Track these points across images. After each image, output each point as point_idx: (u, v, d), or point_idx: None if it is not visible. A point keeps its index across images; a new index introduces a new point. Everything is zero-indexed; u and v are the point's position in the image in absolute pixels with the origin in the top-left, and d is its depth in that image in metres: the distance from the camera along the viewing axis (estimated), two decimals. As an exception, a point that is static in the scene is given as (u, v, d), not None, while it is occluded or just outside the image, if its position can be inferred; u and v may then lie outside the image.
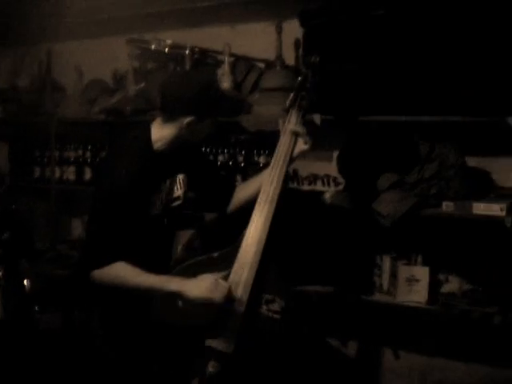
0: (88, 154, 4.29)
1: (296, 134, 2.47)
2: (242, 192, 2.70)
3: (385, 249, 3.30)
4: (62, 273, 4.02)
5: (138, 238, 2.38)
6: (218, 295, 2.17)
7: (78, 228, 4.65)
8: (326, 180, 3.57)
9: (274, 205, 2.36)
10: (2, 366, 3.22)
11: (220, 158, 3.72)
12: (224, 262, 2.33)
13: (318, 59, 2.48)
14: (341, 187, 3.41)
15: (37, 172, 4.57)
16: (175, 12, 3.74)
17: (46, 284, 3.83)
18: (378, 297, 3.25)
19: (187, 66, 3.70)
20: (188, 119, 2.33)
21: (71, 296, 3.47)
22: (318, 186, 3.60)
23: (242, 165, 3.67)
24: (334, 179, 3.53)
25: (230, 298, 2.21)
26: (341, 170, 3.38)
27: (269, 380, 2.31)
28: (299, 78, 2.51)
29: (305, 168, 3.64)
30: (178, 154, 2.49)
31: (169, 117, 2.38)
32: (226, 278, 2.27)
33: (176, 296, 2.22)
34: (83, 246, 2.69)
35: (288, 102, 2.51)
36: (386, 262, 3.26)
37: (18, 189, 4.67)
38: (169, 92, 2.40)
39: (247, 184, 2.75)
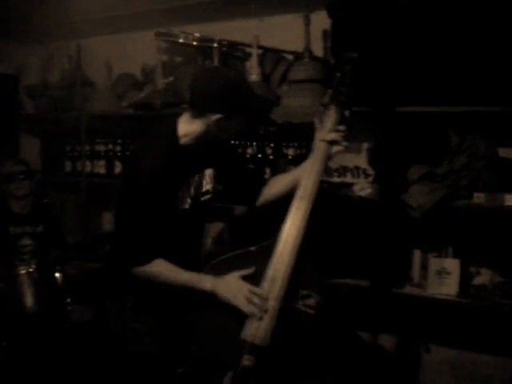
0: (118, 147, 4.33)
1: (333, 142, 2.43)
2: (273, 187, 2.67)
3: (415, 241, 3.27)
4: (92, 265, 4.08)
5: (169, 233, 2.40)
6: (241, 300, 2.21)
7: (108, 221, 4.69)
8: (355, 172, 3.55)
9: (311, 201, 2.34)
10: (35, 358, 3.27)
11: (249, 150, 3.71)
12: (261, 257, 2.32)
13: (356, 55, 2.46)
14: (370, 179, 3.39)
15: (68, 166, 4.63)
16: (203, 5, 3.74)
17: (77, 276, 3.89)
18: (408, 289, 3.22)
19: (215, 59, 3.71)
20: (216, 117, 2.31)
21: (103, 288, 3.50)
22: (348, 178, 3.58)
23: (271, 157, 3.65)
24: (364, 171, 3.50)
25: (253, 302, 2.22)
26: (371, 162, 3.36)
27: (303, 374, 2.32)
28: (338, 74, 2.48)
29: (334, 160, 3.62)
30: (207, 148, 2.48)
31: (197, 112, 2.37)
32: (255, 273, 2.29)
33: (210, 294, 2.26)
34: (115, 241, 2.72)
35: (327, 98, 2.49)
36: (417, 255, 3.23)
37: (50, 183, 4.76)
38: (199, 88, 2.38)
39: (279, 179, 2.72)
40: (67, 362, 3.34)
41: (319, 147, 2.41)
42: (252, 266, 2.31)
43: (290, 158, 3.58)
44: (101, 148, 4.41)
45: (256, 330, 2.23)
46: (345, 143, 2.42)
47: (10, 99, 4.65)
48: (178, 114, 2.47)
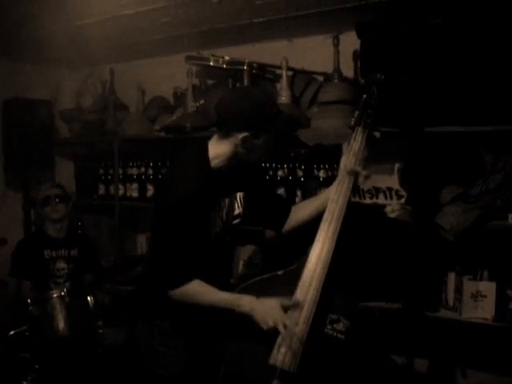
0: (150, 170, 4.34)
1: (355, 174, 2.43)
2: (300, 213, 2.67)
3: (450, 264, 3.21)
4: (125, 288, 4.09)
5: (202, 255, 2.40)
6: (279, 323, 2.18)
7: (141, 244, 4.72)
8: (388, 193, 3.50)
9: (339, 224, 2.34)
10: (67, 382, 3.28)
11: (279, 172, 3.69)
12: (289, 281, 2.32)
13: (383, 76, 2.44)
14: (403, 200, 3.34)
15: (101, 189, 4.68)
16: (233, 28, 3.76)
17: (110, 300, 3.90)
18: (443, 313, 3.16)
19: (245, 82, 3.72)
20: (242, 135, 2.32)
21: (135, 311, 3.51)
22: (380, 200, 3.53)
23: (302, 179, 3.63)
24: (397, 192, 3.45)
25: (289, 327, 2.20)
26: (403, 183, 3.31)
27: None
28: (364, 96, 2.47)
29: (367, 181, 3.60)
30: (237, 171, 2.49)
31: (224, 133, 2.38)
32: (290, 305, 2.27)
33: (246, 315, 2.25)
34: (150, 264, 2.73)
35: (353, 120, 2.47)
36: (451, 278, 3.17)
37: (84, 206, 4.81)
38: (224, 108, 2.40)
39: (305, 204, 2.72)
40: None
41: (344, 176, 2.41)
42: (280, 290, 2.30)
43: (320, 179, 3.55)
44: (133, 171, 4.44)
45: (284, 356, 2.21)
46: (365, 173, 2.42)
47: (45, 124, 4.70)
48: (209, 137, 2.48)
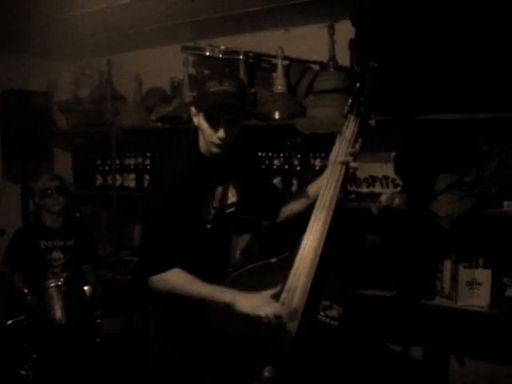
0: (147, 161, 4.35)
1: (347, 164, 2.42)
2: (292, 203, 2.67)
3: (445, 251, 3.21)
4: (122, 278, 4.10)
5: (194, 244, 2.41)
6: (266, 313, 2.16)
7: (138, 234, 4.73)
8: (384, 181, 3.51)
9: (331, 212, 2.34)
10: (65, 371, 3.29)
11: (275, 162, 3.69)
12: (281, 268, 2.32)
13: (376, 65, 2.43)
14: (399, 189, 3.34)
15: (99, 180, 4.68)
16: (229, 18, 3.75)
17: (107, 289, 3.91)
18: (438, 301, 3.16)
19: (241, 71, 3.72)
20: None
21: (131, 301, 3.52)
22: (377, 188, 3.54)
23: (298, 168, 3.63)
24: (393, 181, 3.46)
25: (278, 317, 2.18)
26: (398, 172, 3.31)
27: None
28: (357, 85, 2.46)
29: (363, 170, 3.59)
30: (232, 160, 2.48)
31: None
32: (279, 294, 2.26)
33: (229, 307, 2.23)
34: (139, 252, 2.73)
35: (346, 108, 2.47)
36: (447, 265, 3.17)
37: (81, 197, 4.82)
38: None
39: (297, 195, 2.72)
40: (96, 375, 3.35)
41: (336, 166, 2.41)
42: (273, 277, 2.29)
43: (317, 168, 3.55)
44: (131, 162, 4.45)
45: (277, 341, 2.21)
46: (355, 165, 2.43)
47: (43, 115, 4.69)
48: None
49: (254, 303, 2.19)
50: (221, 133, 2.28)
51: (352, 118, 2.44)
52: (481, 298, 3.00)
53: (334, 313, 2.29)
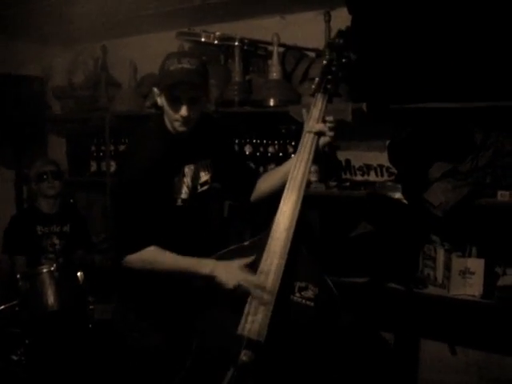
0: (142, 147, 4.31)
1: (319, 134, 2.36)
2: (265, 183, 2.65)
3: (438, 240, 3.21)
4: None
5: (169, 223, 2.40)
6: (241, 281, 2.20)
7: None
8: (379, 170, 3.51)
9: (301, 191, 2.29)
10: (57, 356, 3.29)
11: (270, 149, 3.69)
12: (255, 250, 2.30)
13: (341, 41, 2.41)
14: (393, 177, 3.34)
15: (93, 166, 4.67)
16: (225, 4, 3.74)
17: (99, 275, 3.91)
18: (431, 290, 3.16)
19: (237, 58, 3.70)
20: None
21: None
22: (372, 177, 3.55)
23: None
24: (388, 169, 3.47)
25: (256, 285, 2.20)
26: (392, 160, 3.31)
27: (303, 368, 2.27)
28: (324, 62, 2.44)
29: (358, 158, 3.59)
30: (202, 138, 2.49)
31: None
32: (254, 263, 2.26)
33: (208, 279, 2.25)
34: (113, 235, 2.72)
35: (313, 87, 2.43)
36: (440, 254, 3.16)
37: (76, 183, 4.80)
38: None
39: (270, 175, 2.70)
40: (88, 360, 3.35)
41: (306, 139, 2.35)
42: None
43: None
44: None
45: (251, 324, 2.20)
46: (331, 133, 2.35)
47: (38, 100, 4.68)
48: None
49: (231, 273, 2.22)
50: (183, 111, 2.29)
51: (319, 96, 2.39)
52: (473, 288, 2.99)
53: (309, 293, 2.26)
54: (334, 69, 2.38)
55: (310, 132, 2.35)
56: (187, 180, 2.49)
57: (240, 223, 3.74)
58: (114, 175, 2.57)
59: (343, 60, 2.38)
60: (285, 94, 3.56)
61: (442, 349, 3.36)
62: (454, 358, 3.34)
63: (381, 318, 3.36)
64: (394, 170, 3.39)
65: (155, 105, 4.01)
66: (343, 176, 3.65)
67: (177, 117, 2.32)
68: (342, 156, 3.66)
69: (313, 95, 2.41)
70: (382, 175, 3.49)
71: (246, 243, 2.37)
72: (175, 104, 2.30)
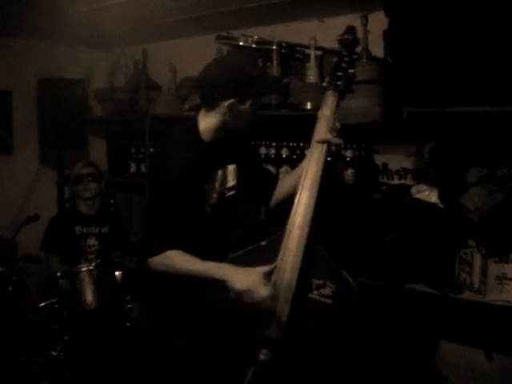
0: (180, 149, 4.36)
1: (326, 142, 2.41)
2: (282, 187, 2.69)
3: (475, 245, 3.16)
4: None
5: (195, 227, 2.45)
6: (257, 292, 2.20)
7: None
8: (416, 174, 3.49)
9: (314, 191, 2.32)
10: (95, 353, 3.36)
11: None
12: (272, 250, 2.32)
13: (351, 37, 2.41)
14: (430, 181, 3.32)
15: (133, 167, 4.75)
16: (264, 8, 3.75)
17: (137, 275, 3.97)
18: (466, 295, 3.12)
19: (275, 61, 3.72)
20: (227, 103, 2.36)
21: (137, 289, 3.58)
22: (408, 181, 3.53)
23: (329, 158, 3.61)
24: (425, 173, 3.44)
25: (271, 296, 2.20)
26: (430, 164, 3.29)
27: (322, 366, 2.28)
28: (334, 59, 2.45)
29: (395, 162, 3.58)
30: (228, 144, 2.53)
31: (210, 104, 2.42)
32: (271, 272, 2.27)
33: (223, 284, 2.27)
34: (141, 237, 2.77)
35: (324, 85, 2.45)
36: (476, 259, 3.12)
37: (116, 184, 4.90)
38: (205, 79, 2.44)
39: (286, 178, 2.73)
40: (125, 359, 3.41)
41: (315, 145, 2.41)
42: (265, 260, 2.30)
43: (348, 159, 3.55)
44: (164, 150, 4.47)
45: (270, 324, 2.23)
46: (337, 140, 2.41)
47: (79, 102, 4.78)
48: (197, 112, 2.52)
49: (246, 282, 2.22)
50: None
51: (330, 93, 2.42)
52: (510, 293, 2.94)
53: (327, 291, 2.28)
54: (344, 65, 2.39)
55: (317, 142, 2.40)
56: (216, 185, 2.53)
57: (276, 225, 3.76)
58: (148, 177, 2.61)
59: (353, 56, 2.38)
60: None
61: (477, 355, 3.32)
62: (488, 364, 3.29)
63: (415, 323, 3.33)
64: (431, 174, 3.36)
65: (194, 108, 4.11)
66: (380, 180, 3.64)
67: (247, 120, 2.44)
68: (379, 160, 3.65)
69: (323, 93, 2.43)
70: (419, 179, 3.46)
71: (263, 243, 2.40)
72: (255, 108, 2.43)
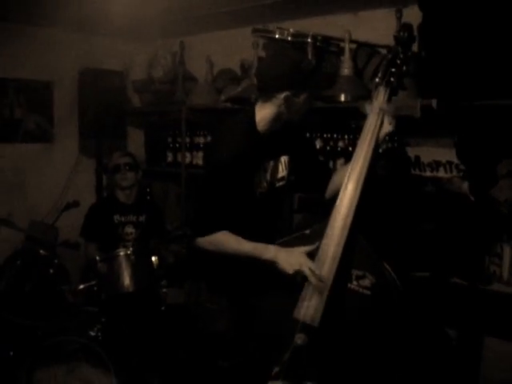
0: (216, 140, 4.44)
1: (382, 112, 2.46)
2: (337, 179, 2.72)
3: (505, 237, 3.19)
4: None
5: (244, 214, 2.52)
6: (300, 266, 2.29)
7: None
8: (448, 167, 3.51)
9: (360, 181, 2.38)
10: (130, 336, 3.46)
11: (340, 143, 3.74)
12: (315, 238, 2.38)
13: (406, 34, 2.44)
14: (462, 174, 3.34)
15: (169, 157, 4.85)
16: (298, 1, 3.81)
17: (172, 261, 4.07)
18: (496, 286, 3.15)
19: (310, 54, 3.76)
20: (284, 94, 2.44)
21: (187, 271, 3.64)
22: (440, 173, 3.55)
23: (380, 150, 3.65)
24: (457, 166, 3.46)
25: (313, 272, 2.27)
26: (461, 157, 3.31)
27: (357, 355, 2.33)
28: (389, 56, 2.49)
29: (427, 154, 3.61)
30: (282, 135, 2.60)
31: (267, 96, 2.50)
32: (315, 251, 2.34)
33: (270, 263, 2.35)
34: (192, 219, 2.85)
35: (377, 80, 2.50)
36: (506, 251, 3.14)
37: (153, 173, 5.00)
38: (263, 72, 2.56)
39: (340, 170, 2.79)
40: (160, 342, 3.51)
41: (368, 123, 2.49)
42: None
43: (380, 151, 3.56)
44: (200, 140, 4.59)
45: (306, 309, 2.30)
46: (391, 118, 2.49)
47: (118, 93, 4.89)
48: (255, 103, 2.60)
49: (291, 259, 2.32)
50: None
51: (381, 89, 2.47)
52: (540, 285, 2.98)
53: (366, 282, 2.32)
54: (398, 62, 2.43)
55: (373, 110, 2.46)
56: (267, 175, 2.61)
57: (308, 215, 3.82)
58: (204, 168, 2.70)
59: (408, 54, 2.42)
60: (356, 89, 3.60)
61: (507, 347, 3.33)
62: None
63: (445, 314, 3.36)
64: (462, 167, 3.38)
65: (231, 99, 4.19)
66: (412, 172, 3.67)
67: (301, 113, 2.54)
68: (411, 152, 3.68)
69: (375, 88, 2.48)
70: (451, 171, 3.48)
71: (307, 231, 2.46)
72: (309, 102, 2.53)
